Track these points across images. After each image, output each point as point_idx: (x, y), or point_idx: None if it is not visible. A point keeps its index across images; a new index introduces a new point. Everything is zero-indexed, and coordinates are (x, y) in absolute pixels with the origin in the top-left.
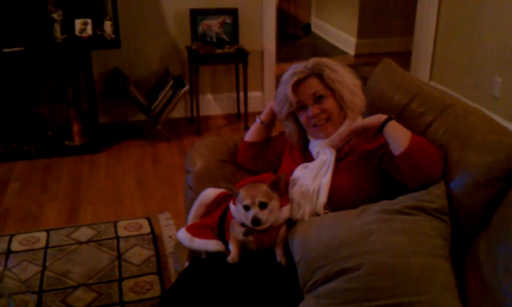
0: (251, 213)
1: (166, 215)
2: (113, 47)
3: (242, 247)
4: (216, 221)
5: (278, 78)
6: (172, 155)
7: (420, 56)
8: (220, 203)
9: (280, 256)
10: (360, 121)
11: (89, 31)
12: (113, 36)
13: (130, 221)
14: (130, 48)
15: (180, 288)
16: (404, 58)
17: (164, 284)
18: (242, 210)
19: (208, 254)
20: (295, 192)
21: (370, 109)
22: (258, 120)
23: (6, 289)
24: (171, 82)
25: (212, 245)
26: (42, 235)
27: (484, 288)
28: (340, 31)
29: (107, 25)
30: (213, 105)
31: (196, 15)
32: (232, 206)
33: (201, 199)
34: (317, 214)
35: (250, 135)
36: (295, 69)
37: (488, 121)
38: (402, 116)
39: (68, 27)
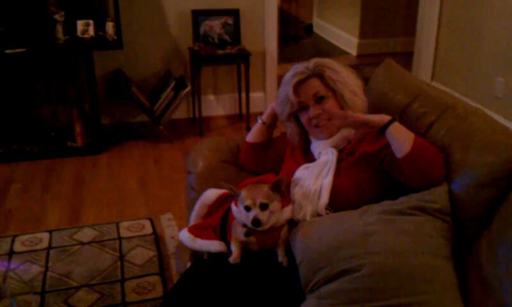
0: (251, 214)
1: (168, 216)
2: (115, 48)
3: (244, 247)
4: (217, 222)
5: (280, 78)
6: (174, 155)
7: (422, 56)
8: (222, 204)
9: (281, 257)
10: (362, 115)
11: (91, 32)
12: (115, 37)
13: (133, 222)
14: (132, 49)
15: (182, 288)
16: (406, 58)
17: (166, 284)
18: (243, 211)
19: (210, 254)
20: (296, 192)
21: (372, 110)
22: (259, 121)
23: (8, 290)
24: (173, 83)
25: (214, 245)
26: (45, 236)
27: (485, 288)
28: (342, 31)
29: (109, 26)
30: (215, 105)
31: (198, 16)
32: (233, 206)
33: (203, 199)
34: (319, 215)
35: (252, 136)
36: (296, 70)
37: (489, 122)
38: (403, 116)
39: (70, 28)
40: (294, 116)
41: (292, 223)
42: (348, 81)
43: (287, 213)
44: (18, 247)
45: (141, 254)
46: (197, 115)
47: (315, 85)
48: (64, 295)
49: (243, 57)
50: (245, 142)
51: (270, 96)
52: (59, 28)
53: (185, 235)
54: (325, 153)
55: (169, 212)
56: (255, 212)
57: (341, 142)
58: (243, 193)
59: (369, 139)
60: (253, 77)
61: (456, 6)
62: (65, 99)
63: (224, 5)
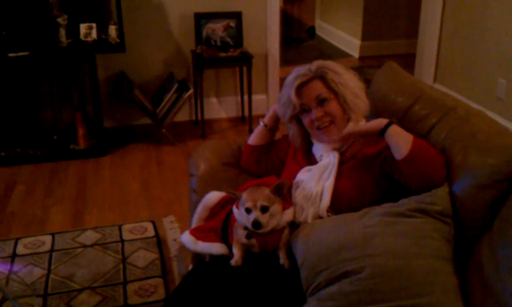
0: (252, 217)
1: (171, 219)
2: (118, 51)
3: (246, 250)
4: (219, 224)
5: (282, 81)
6: (177, 158)
7: (424, 58)
8: (224, 206)
9: (283, 259)
10: (360, 126)
11: (94, 35)
12: (118, 40)
13: (135, 224)
14: (135, 52)
15: (184, 291)
16: (408, 60)
17: (168, 287)
18: (244, 213)
19: (212, 257)
20: (298, 195)
21: (373, 112)
22: (261, 123)
23: (11, 292)
24: (175, 86)
25: (215, 248)
26: (47, 239)
27: (486, 290)
28: (344, 34)
29: (112, 30)
30: (217, 108)
31: (201, 19)
32: (235, 209)
33: (205, 202)
34: (320, 217)
35: (254, 139)
36: (298, 72)
37: (490, 123)
38: (405, 118)
39: (73, 31)
40: (296, 118)
41: (294, 225)
42: (350, 83)
43: (288, 215)
44: (20, 249)
45: (143, 257)
46: (199, 117)
47: (318, 87)
48: (67, 297)
49: (245, 60)
50: (247, 144)
51: (272, 99)
52: (62, 31)
53: (187, 238)
54: (327, 156)
55: (172, 215)
56: (256, 214)
57: (342, 145)
58: (244, 195)
59: (370, 142)
60: (255, 80)
61: (458, 8)
62: (68, 102)
63: (226, 8)
